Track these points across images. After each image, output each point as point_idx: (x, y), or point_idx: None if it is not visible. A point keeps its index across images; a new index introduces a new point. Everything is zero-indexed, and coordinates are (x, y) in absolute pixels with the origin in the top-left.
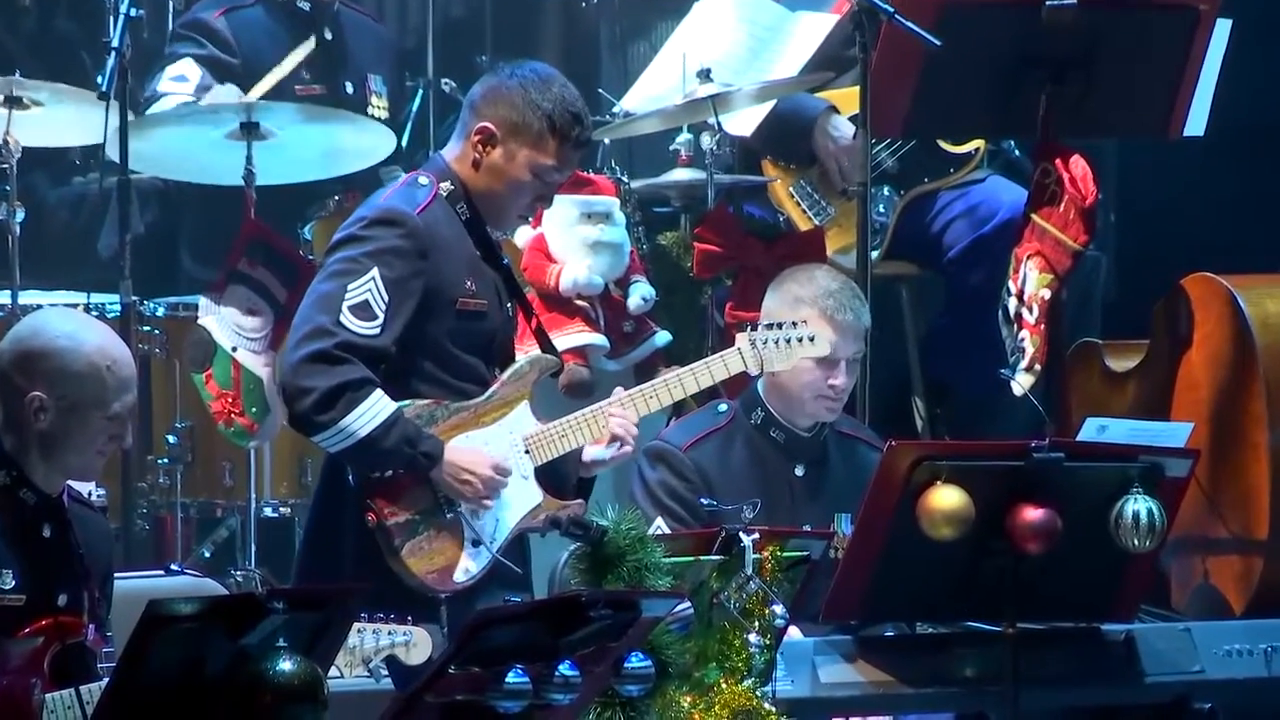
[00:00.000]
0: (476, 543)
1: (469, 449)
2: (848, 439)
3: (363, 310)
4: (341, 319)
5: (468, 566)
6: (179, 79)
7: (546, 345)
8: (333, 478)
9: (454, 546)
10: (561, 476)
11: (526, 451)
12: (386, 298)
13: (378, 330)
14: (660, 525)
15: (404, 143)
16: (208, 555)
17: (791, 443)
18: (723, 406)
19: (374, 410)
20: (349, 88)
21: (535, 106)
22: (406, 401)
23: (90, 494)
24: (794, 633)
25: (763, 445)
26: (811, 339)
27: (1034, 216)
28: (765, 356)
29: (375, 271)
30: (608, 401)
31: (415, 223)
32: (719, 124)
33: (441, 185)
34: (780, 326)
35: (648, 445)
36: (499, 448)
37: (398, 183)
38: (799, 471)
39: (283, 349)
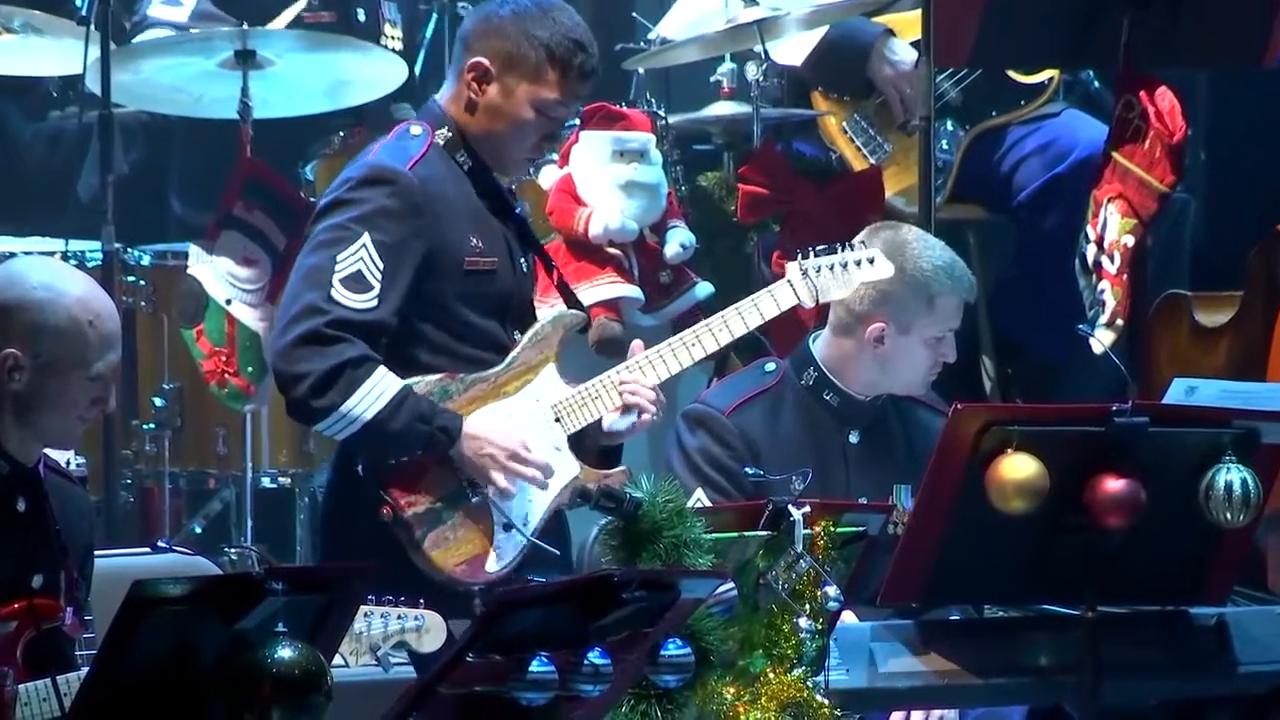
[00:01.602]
0: (508, 527)
1: (492, 419)
2: (907, 402)
3: (355, 282)
4: (333, 294)
5: (500, 554)
6: (171, 3)
7: (571, 300)
8: (347, 457)
9: (483, 533)
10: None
11: (557, 419)
12: (381, 266)
13: (374, 302)
14: (700, 497)
15: (418, 71)
16: (199, 531)
17: (846, 407)
18: (770, 365)
19: (378, 389)
20: (361, 15)
21: (531, 36)
22: (415, 379)
23: (69, 463)
24: (849, 617)
25: (814, 409)
26: (872, 261)
27: (1115, 155)
28: (820, 285)
29: (366, 238)
30: (632, 361)
31: (407, 179)
32: (765, 52)
33: (438, 134)
34: (835, 250)
35: (687, 409)
36: (525, 418)
37: (387, 136)
38: (853, 438)
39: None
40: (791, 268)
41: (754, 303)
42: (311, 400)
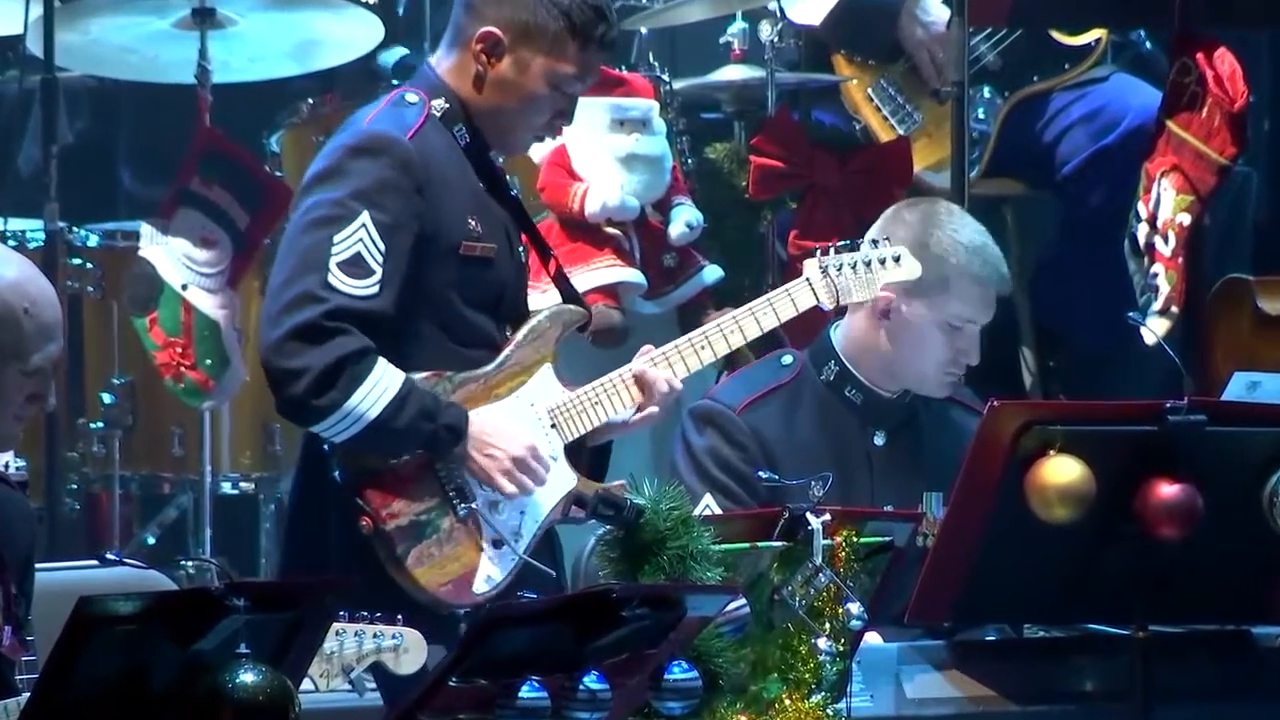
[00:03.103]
0: (498, 543)
1: (499, 418)
2: (939, 401)
3: (355, 266)
4: (330, 279)
5: (489, 573)
6: None
7: (569, 293)
8: (314, 458)
9: (471, 549)
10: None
11: (553, 426)
12: (383, 248)
13: (375, 288)
14: (709, 504)
15: (400, 7)
16: (152, 541)
17: (871, 405)
18: (787, 359)
19: (382, 385)
20: None
21: (550, 3)
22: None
23: (7, 466)
24: (873, 637)
25: (835, 407)
26: (897, 259)
27: (1169, 123)
28: (841, 285)
29: (365, 216)
30: (636, 362)
31: (407, 150)
32: (781, 10)
33: (434, 104)
34: (858, 247)
35: (695, 405)
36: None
37: (380, 102)
38: (879, 440)
39: (245, 299)
40: (810, 265)
41: (769, 303)
42: (312, 399)
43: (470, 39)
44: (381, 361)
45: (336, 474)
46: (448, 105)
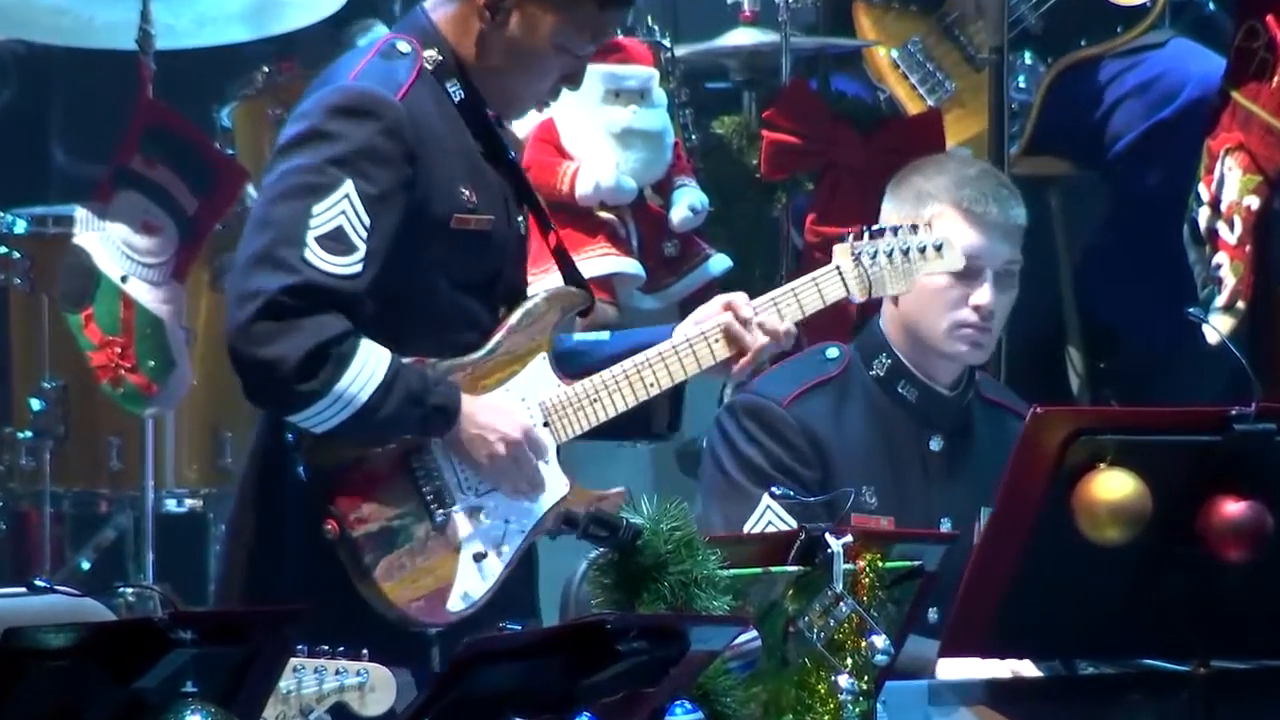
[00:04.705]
0: (479, 555)
1: (496, 399)
2: (994, 407)
3: (336, 240)
4: (306, 254)
5: (467, 588)
6: None
7: (571, 273)
8: (272, 453)
9: (447, 562)
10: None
11: (546, 424)
12: (368, 221)
13: (358, 267)
14: (770, 506)
15: None
16: (87, 566)
17: (927, 404)
18: (833, 351)
19: (370, 366)
20: None
21: None
22: None
23: None
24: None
25: (887, 406)
26: (938, 248)
27: (1235, 95)
28: (874, 276)
29: (349, 186)
30: (654, 351)
31: (398, 112)
32: None
33: (425, 54)
34: (895, 232)
35: (734, 398)
36: None
37: (368, 51)
38: (935, 444)
39: (193, 293)
40: (841, 251)
41: (794, 293)
42: (296, 384)
43: None
44: (365, 341)
45: (301, 470)
46: (441, 58)
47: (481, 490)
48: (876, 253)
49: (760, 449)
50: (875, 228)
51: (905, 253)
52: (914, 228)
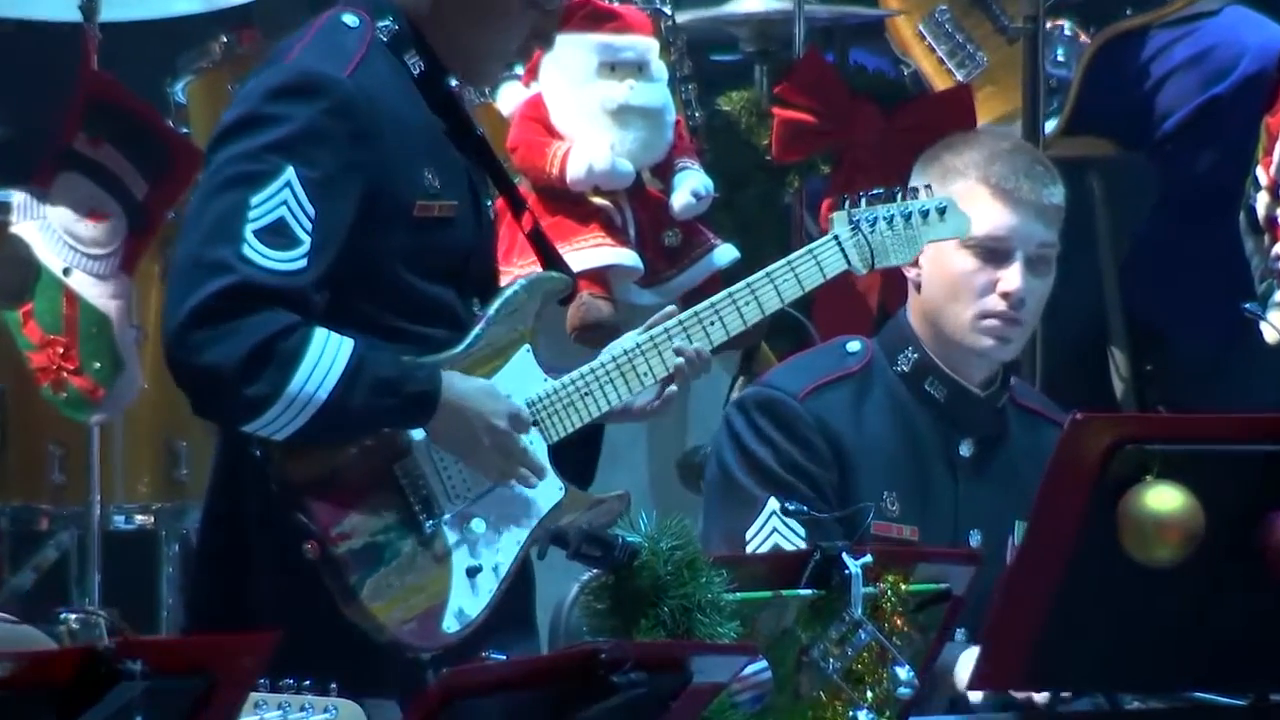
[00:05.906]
0: (473, 570)
1: (479, 382)
2: (1029, 414)
3: (277, 234)
4: (245, 251)
5: (461, 605)
6: None
7: (550, 257)
8: (236, 465)
9: (438, 578)
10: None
11: (535, 423)
12: (312, 211)
13: (301, 262)
14: (775, 511)
15: None
16: (27, 589)
17: (957, 404)
18: (854, 345)
19: (328, 358)
20: None
21: None
22: None
23: None
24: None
25: (913, 406)
26: (942, 210)
27: None
28: (876, 244)
29: (290, 173)
30: (640, 333)
31: (345, 88)
32: None
33: (378, 26)
34: (896, 195)
35: (745, 393)
36: None
37: (309, 29)
38: (965, 450)
39: (143, 287)
40: (838, 219)
41: (790, 267)
42: (242, 389)
43: None
44: (319, 330)
45: (274, 483)
46: (395, 27)
47: (471, 496)
48: (876, 219)
49: (771, 447)
50: (873, 191)
51: (907, 217)
52: (914, 190)
